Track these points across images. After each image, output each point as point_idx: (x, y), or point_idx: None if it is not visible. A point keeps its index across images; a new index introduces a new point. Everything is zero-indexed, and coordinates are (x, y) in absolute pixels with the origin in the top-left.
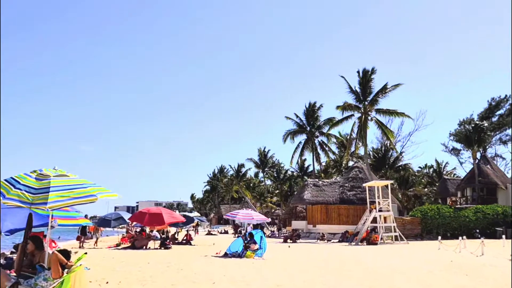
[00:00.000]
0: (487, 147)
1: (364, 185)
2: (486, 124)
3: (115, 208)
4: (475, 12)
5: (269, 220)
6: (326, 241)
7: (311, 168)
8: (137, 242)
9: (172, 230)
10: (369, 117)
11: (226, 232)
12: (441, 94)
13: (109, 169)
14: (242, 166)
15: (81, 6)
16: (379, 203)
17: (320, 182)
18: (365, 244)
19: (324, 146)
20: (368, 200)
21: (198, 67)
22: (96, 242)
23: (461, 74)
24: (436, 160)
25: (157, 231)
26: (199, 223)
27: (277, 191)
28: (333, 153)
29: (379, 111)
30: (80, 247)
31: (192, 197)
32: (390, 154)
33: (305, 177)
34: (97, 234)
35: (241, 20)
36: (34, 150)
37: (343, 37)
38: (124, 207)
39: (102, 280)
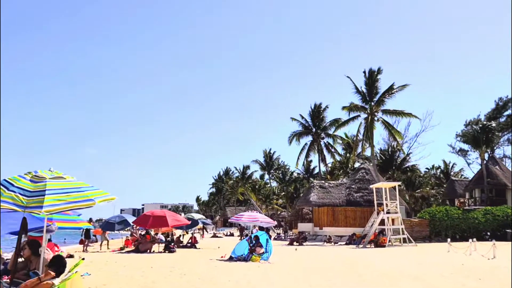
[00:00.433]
0: (495, 148)
1: (371, 186)
2: (494, 124)
3: (121, 210)
4: (483, 11)
5: (275, 223)
6: (333, 243)
7: (317, 170)
8: (141, 246)
9: (178, 232)
10: (376, 118)
11: (231, 235)
12: (448, 95)
13: (114, 172)
14: (247, 167)
15: (86, 8)
16: (386, 204)
17: (326, 184)
18: (373, 246)
19: (330, 147)
20: (375, 202)
21: (203, 67)
22: (103, 245)
23: (468, 75)
24: (443, 161)
25: (162, 233)
26: (205, 226)
27: (283, 193)
28: (339, 154)
29: (385, 112)
30: (83, 251)
31: (198, 199)
32: (397, 155)
33: (311, 179)
34: (106, 237)
35: (244, 19)
36: (39, 152)
37: (349, 37)
38: (130, 210)
39: (102, 286)
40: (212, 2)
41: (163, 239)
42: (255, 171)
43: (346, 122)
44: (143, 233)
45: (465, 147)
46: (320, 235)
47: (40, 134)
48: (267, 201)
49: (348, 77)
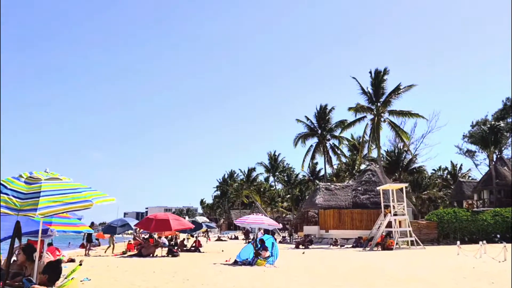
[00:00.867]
0: (503, 148)
1: (378, 188)
2: (502, 124)
3: (124, 214)
4: (491, 11)
5: (280, 225)
6: (339, 246)
7: (322, 172)
8: (144, 250)
9: (182, 235)
10: (382, 119)
11: (236, 238)
12: (454, 96)
13: (118, 175)
14: (252, 170)
15: (97, 14)
16: (393, 206)
17: (332, 186)
18: (380, 249)
19: (336, 149)
20: (382, 204)
21: (208, 72)
22: (110, 249)
23: (475, 75)
24: (451, 162)
25: (166, 237)
26: (208, 230)
27: (288, 196)
28: (345, 156)
29: (392, 112)
30: (85, 255)
31: (202, 202)
32: (403, 156)
33: (317, 181)
34: (113, 240)
35: (250, 24)
36: (43, 156)
37: (355, 38)
38: (134, 213)
39: None
40: (219, 5)
41: (167, 242)
42: (260, 173)
43: (352, 123)
44: (146, 236)
45: (473, 147)
46: (326, 237)
47: (44, 138)
48: (272, 203)
49: (354, 78)
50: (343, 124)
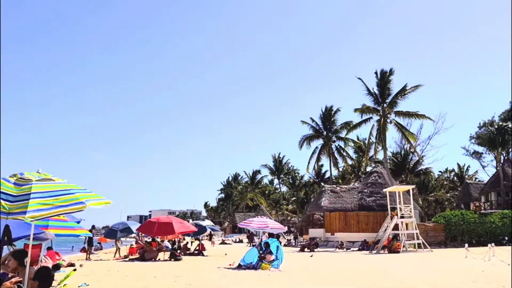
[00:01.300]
0: (510, 150)
1: (384, 190)
2: (510, 125)
3: (128, 217)
4: (497, 11)
5: (286, 228)
6: (345, 249)
7: (328, 174)
8: (146, 254)
9: (187, 239)
10: (388, 120)
11: (240, 241)
12: (460, 97)
13: (121, 178)
14: (257, 172)
15: (98, 14)
16: (400, 209)
17: (338, 188)
18: (387, 252)
19: (342, 151)
20: (389, 206)
21: (210, 71)
22: (117, 252)
23: (482, 75)
24: (458, 164)
25: (169, 240)
26: (212, 233)
27: (293, 198)
28: (351, 158)
29: (398, 113)
30: (86, 259)
31: (206, 205)
32: (410, 158)
33: (322, 183)
34: (118, 244)
35: (253, 23)
36: (45, 158)
37: (360, 38)
38: (137, 216)
39: None
40: (220, 4)
41: (170, 246)
42: (265, 175)
43: (358, 125)
44: (149, 240)
45: (480, 149)
46: (331, 240)
47: (44, 140)
48: (277, 206)
49: (359, 78)
50: (349, 126)
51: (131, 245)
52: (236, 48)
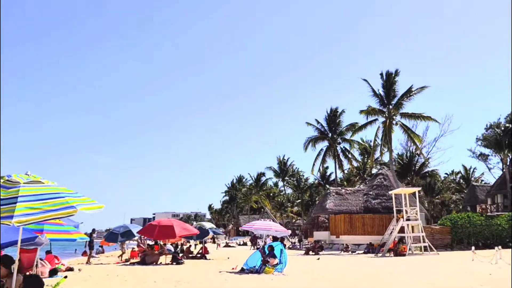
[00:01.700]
0: None
1: (390, 192)
2: None
3: (131, 220)
4: (503, 12)
5: (290, 232)
6: (350, 252)
7: (333, 176)
8: (148, 258)
9: (190, 242)
10: (394, 122)
11: (245, 244)
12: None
13: (124, 180)
14: (262, 174)
15: (99, 14)
16: (406, 211)
17: (343, 190)
18: (393, 255)
19: (347, 153)
20: (394, 209)
21: (214, 72)
22: (121, 256)
23: (487, 77)
24: (464, 166)
25: (171, 244)
26: (215, 236)
27: (298, 201)
28: (356, 160)
29: (404, 115)
30: (87, 263)
31: (210, 207)
32: (415, 160)
33: (327, 186)
34: (124, 247)
35: (258, 23)
36: (46, 160)
37: (365, 39)
38: (141, 219)
39: None
40: (220, 4)
41: (172, 249)
42: (269, 178)
43: (364, 126)
44: (151, 243)
45: (486, 151)
46: (336, 243)
47: (45, 141)
48: (282, 208)
49: (364, 80)
50: (354, 127)
51: (133, 248)
52: (240, 48)
